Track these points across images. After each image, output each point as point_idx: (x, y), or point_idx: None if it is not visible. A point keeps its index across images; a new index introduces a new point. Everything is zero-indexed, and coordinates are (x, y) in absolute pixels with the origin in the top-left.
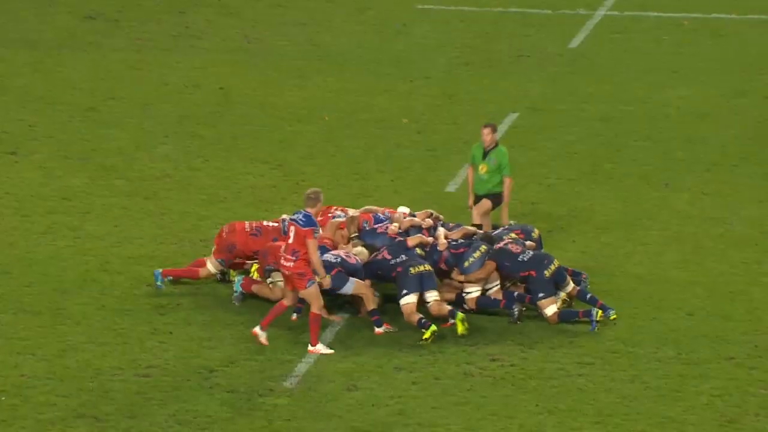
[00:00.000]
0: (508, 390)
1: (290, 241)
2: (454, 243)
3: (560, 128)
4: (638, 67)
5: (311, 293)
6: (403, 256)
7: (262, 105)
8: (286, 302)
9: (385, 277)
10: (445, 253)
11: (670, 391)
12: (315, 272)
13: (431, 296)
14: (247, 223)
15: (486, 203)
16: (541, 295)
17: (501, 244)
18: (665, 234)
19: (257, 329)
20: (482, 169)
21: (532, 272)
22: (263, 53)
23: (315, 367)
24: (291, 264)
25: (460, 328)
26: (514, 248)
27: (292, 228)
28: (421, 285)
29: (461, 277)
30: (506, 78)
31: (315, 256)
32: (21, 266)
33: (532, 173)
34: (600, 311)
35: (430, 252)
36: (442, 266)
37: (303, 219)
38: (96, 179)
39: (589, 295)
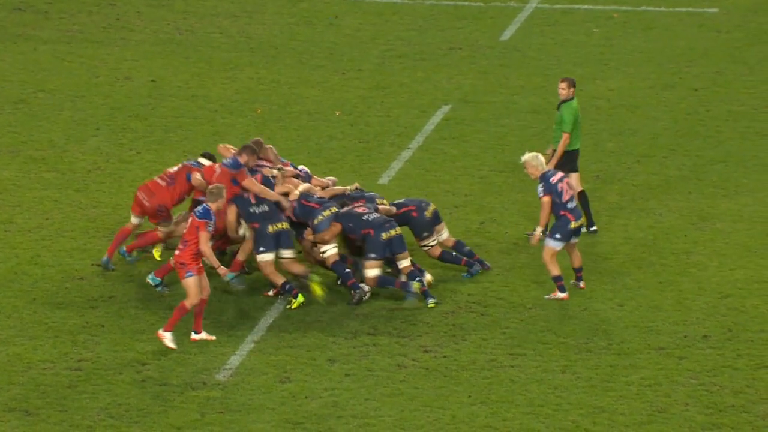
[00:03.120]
0: (441, 381)
1: (186, 230)
2: (308, 197)
3: (492, 120)
4: (569, 60)
5: (189, 285)
6: (265, 206)
7: (194, 97)
8: (188, 304)
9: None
10: (294, 204)
11: (600, 382)
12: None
13: (287, 254)
14: (157, 179)
15: (573, 178)
16: (372, 255)
17: (349, 207)
18: (596, 225)
19: (161, 332)
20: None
21: (371, 231)
22: (195, 45)
23: (248, 360)
24: (178, 252)
25: (318, 291)
26: (361, 209)
27: (190, 218)
28: (278, 243)
29: (311, 237)
30: (438, 70)
31: (206, 248)
32: None
33: (465, 165)
34: (418, 284)
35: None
36: (291, 217)
37: (200, 210)
38: (26, 172)
39: (416, 279)
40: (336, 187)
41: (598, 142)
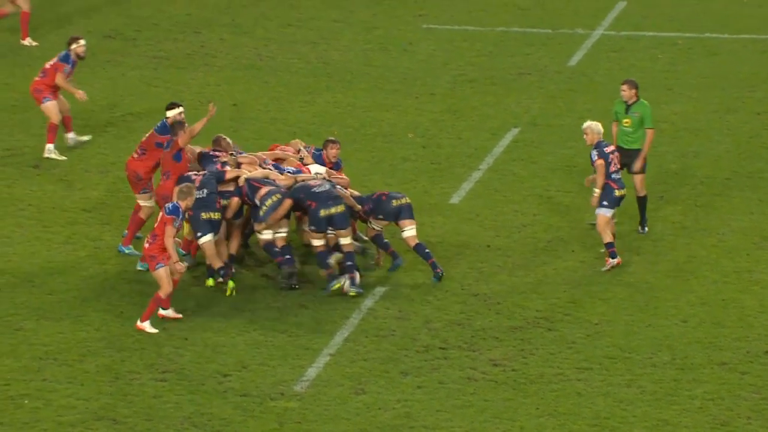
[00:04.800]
0: (510, 394)
1: (156, 224)
2: (258, 180)
3: (560, 142)
4: None
5: (160, 275)
6: (204, 191)
7: (273, 120)
8: (162, 294)
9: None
10: (245, 187)
11: (664, 395)
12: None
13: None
14: (134, 153)
15: (638, 180)
16: (312, 227)
17: (302, 182)
18: (660, 244)
19: (139, 323)
20: (626, 122)
21: (313, 204)
22: (274, 71)
23: (324, 372)
24: (148, 245)
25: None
26: (313, 183)
27: (161, 213)
28: (211, 227)
29: (259, 226)
30: (508, 94)
31: (169, 242)
32: (43, 275)
33: (533, 185)
34: (351, 290)
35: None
36: (245, 199)
37: (170, 207)
38: (114, 191)
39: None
40: (303, 175)
41: (662, 164)
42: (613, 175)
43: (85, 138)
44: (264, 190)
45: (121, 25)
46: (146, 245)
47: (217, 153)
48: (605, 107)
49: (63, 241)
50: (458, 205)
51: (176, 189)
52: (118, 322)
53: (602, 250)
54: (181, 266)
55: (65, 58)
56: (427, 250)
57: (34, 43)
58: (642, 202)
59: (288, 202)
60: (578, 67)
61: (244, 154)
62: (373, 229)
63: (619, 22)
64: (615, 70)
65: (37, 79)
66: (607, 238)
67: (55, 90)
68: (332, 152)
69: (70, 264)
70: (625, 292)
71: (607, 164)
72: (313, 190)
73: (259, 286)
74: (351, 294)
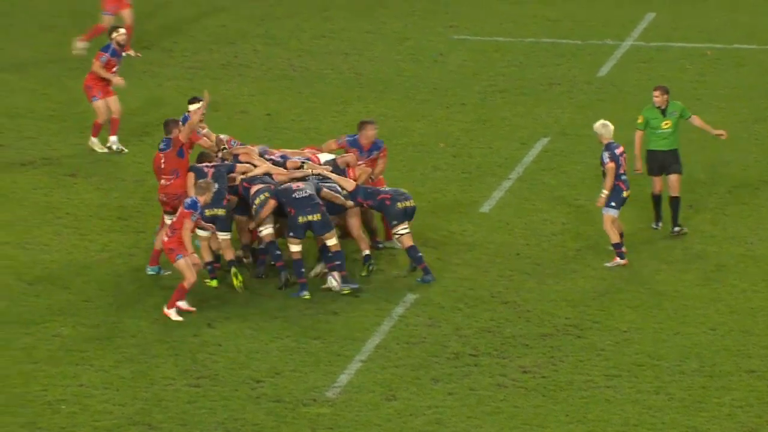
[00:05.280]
0: (540, 400)
1: (175, 218)
2: (250, 179)
3: (589, 152)
4: None
5: (181, 266)
6: (216, 185)
7: (306, 129)
8: (186, 285)
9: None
10: (240, 187)
11: (693, 403)
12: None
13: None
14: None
15: (674, 180)
16: (291, 234)
17: (286, 185)
18: (689, 252)
19: (166, 310)
20: (666, 125)
21: (292, 210)
22: (308, 81)
23: (356, 378)
24: (167, 239)
25: (236, 283)
26: (294, 186)
27: (180, 208)
28: (213, 223)
29: (252, 225)
30: (538, 104)
31: (186, 235)
32: (80, 282)
33: (562, 194)
34: (344, 288)
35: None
36: (241, 197)
37: (188, 201)
38: (149, 200)
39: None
40: (297, 172)
41: (691, 173)
42: (622, 176)
43: (123, 149)
44: (254, 189)
45: (157, 37)
46: (165, 239)
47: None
48: (634, 117)
49: (99, 249)
50: (488, 213)
51: (194, 183)
52: (153, 328)
53: (609, 248)
54: (197, 259)
55: (105, 48)
56: (419, 254)
57: (138, 54)
58: (676, 202)
59: (272, 203)
60: (607, 77)
61: (239, 146)
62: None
63: (649, 33)
64: (644, 80)
65: (88, 74)
66: (615, 238)
67: (105, 86)
68: (370, 133)
69: (107, 272)
70: (653, 300)
71: (618, 166)
72: (293, 195)
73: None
74: (344, 292)
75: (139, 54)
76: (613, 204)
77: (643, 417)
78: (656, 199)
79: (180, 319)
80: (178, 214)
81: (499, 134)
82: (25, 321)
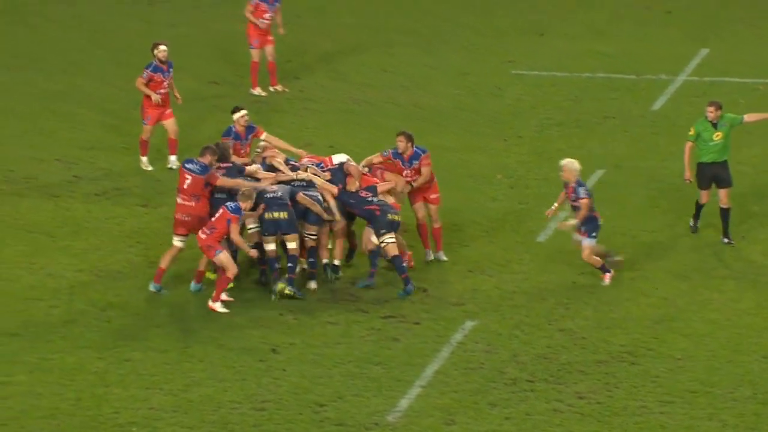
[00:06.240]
0: (595, 426)
1: (214, 218)
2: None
3: (643, 184)
4: None
5: (221, 260)
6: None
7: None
8: (230, 275)
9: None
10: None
11: (746, 429)
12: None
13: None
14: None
15: (724, 194)
16: (263, 232)
17: (264, 188)
18: (741, 282)
19: (210, 303)
20: (718, 136)
21: (263, 206)
22: (369, 114)
23: (416, 403)
24: (204, 236)
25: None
26: (270, 189)
27: (221, 210)
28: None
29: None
30: (593, 137)
31: (238, 237)
32: (150, 308)
33: (618, 225)
34: (286, 287)
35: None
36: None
37: (233, 206)
38: None
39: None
40: (283, 175)
41: (743, 204)
42: (594, 206)
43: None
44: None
45: (226, 72)
46: (203, 236)
47: (222, 165)
48: None
49: (169, 276)
50: (544, 243)
51: (239, 191)
52: (219, 353)
53: (599, 274)
54: (253, 252)
55: (147, 65)
56: (403, 264)
57: (263, 93)
58: (726, 213)
59: (261, 206)
60: (661, 111)
61: (270, 149)
62: (373, 242)
63: (702, 69)
64: (696, 114)
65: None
66: (597, 264)
67: (156, 109)
68: (399, 144)
69: (176, 298)
70: (706, 329)
71: (591, 200)
72: (266, 195)
73: (353, 321)
74: (287, 292)
75: (286, 89)
76: (594, 235)
77: None
78: (699, 207)
79: (226, 310)
80: (219, 215)
81: (555, 166)
82: (97, 346)
